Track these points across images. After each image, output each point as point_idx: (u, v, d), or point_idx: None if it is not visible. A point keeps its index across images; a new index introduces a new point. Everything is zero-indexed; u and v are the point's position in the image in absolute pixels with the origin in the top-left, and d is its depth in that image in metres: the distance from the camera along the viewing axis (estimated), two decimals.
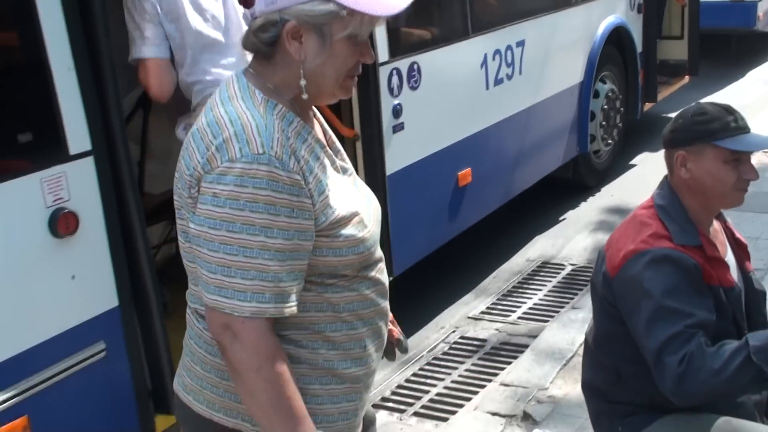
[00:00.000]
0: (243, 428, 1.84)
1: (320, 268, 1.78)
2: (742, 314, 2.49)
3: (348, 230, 1.79)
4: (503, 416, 3.62)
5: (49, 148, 2.78)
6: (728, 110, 2.43)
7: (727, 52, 11.11)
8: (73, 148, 2.80)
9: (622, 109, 7.01)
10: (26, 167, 2.70)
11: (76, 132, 2.81)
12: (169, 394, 2.92)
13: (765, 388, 2.35)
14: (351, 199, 1.83)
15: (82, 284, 2.89)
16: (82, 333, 2.92)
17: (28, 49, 2.78)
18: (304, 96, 1.77)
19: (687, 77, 8.61)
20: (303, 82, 1.76)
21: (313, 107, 1.89)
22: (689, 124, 2.45)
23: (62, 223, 2.76)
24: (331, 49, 1.74)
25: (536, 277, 5.30)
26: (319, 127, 1.89)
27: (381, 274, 1.91)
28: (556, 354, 4.06)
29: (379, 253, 1.91)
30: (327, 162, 1.81)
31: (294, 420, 1.71)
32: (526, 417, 3.60)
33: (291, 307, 1.72)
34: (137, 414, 3.15)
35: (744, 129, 2.40)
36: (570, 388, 3.72)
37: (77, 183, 2.82)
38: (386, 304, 1.94)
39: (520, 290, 5.13)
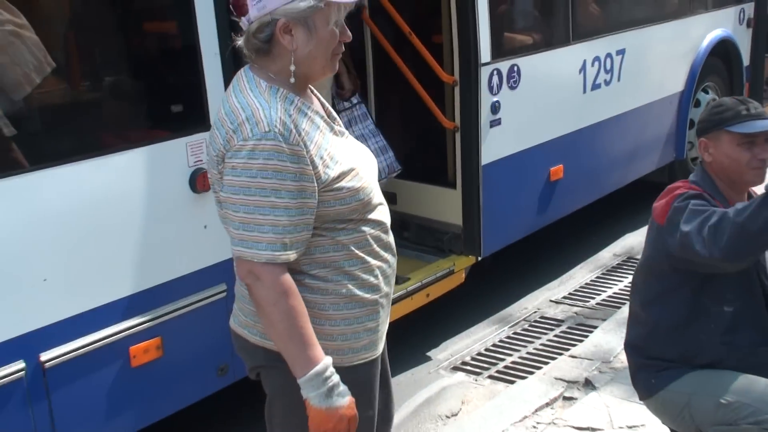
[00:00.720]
0: None
1: (331, 216, 2.19)
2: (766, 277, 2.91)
3: (348, 183, 2.19)
4: (566, 381, 4.06)
5: (195, 118, 3.40)
6: (742, 101, 2.86)
7: None
8: (214, 119, 3.40)
9: None
10: (176, 133, 3.32)
11: (217, 106, 3.40)
12: None
13: None
14: (347, 156, 2.24)
15: (212, 234, 3.48)
16: (209, 274, 3.53)
17: (184, 38, 3.40)
18: (291, 80, 2.17)
19: None
20: (293, 68, 2.16)
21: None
22: (709, 115, 2.90)
23: (200, 181, 3.37)
24: (317, 36, 2.15)
25: (619, 270, 5.69)
26: (317, 100, 2.32)
27: (382, 216, 2.33)
28: (623, 333, 4.45)
29: (378, 198, 2.32)
30: (326, 129, 2.23)
31: (304, 345, 2.13)
32: (587, 383, 4.03)
33: (298, 254, 2.14)
34: None
35: (754, 116, 2.81)
36: None
37: None
38: (390, 239, 2.36)
39: (603, 280, 5.54)
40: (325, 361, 2.16)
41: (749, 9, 7.49)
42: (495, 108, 4.80)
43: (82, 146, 3.12)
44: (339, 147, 2.26)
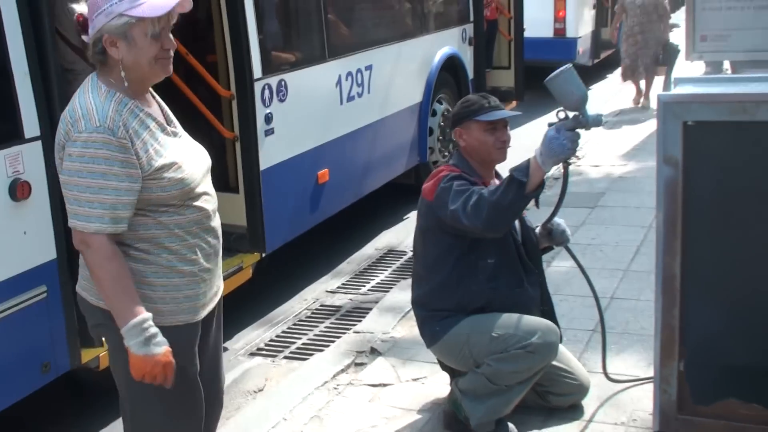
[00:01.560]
0: None
1: (153, 200, 2.63)
2: (518, 237, 3.67)
3: (169, 174, 2.63)
4: (355, 351, 4.63)
5: (9, 132, 3.64)
6: (484, 97, 3.63)
7: None
8: (28, 133, 3.68)
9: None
10: None
11: (30, 121, 3.68)
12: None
13: (527, 200, 3.34)
14: (173, 152, 2.67)
15: (31, 239, 3.74)
16: (30, 277, 3.76)
17: None
18: (125, 84, 2.60)
19: (514, 102, 9.96)
20: (123, 74, 2.60)
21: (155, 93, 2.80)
22: (460, 109, 3.64)
23: (19, 190, 3.62)
24: (137, 46, 2.59)
25: (383, 261, 6.37)
26: (157, 105, 2.76)
27: (205, 203, 2.75)
28: (396, 309, 5.12)
29: (202, 188, 2.74)
30: (156, 129, 2.65)
31: (126, 301, 2.57)
32: (373, 351, 4.62)
33: (123, 227, 2.57)
34: (68, 346, 3.99)
35: (495, 107, 3.59)
36: (407, 331, 4.76)
37: (30, 159, 3.68)
38: (213, 223, 2.80)
39: (370, 271, 6.19)
40: (144, 315, 2.58)
41: (470, 29, 8.53)
42: (268, 119, 5.32)
43: None
44: (167, 144, 2.69)
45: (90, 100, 2.58)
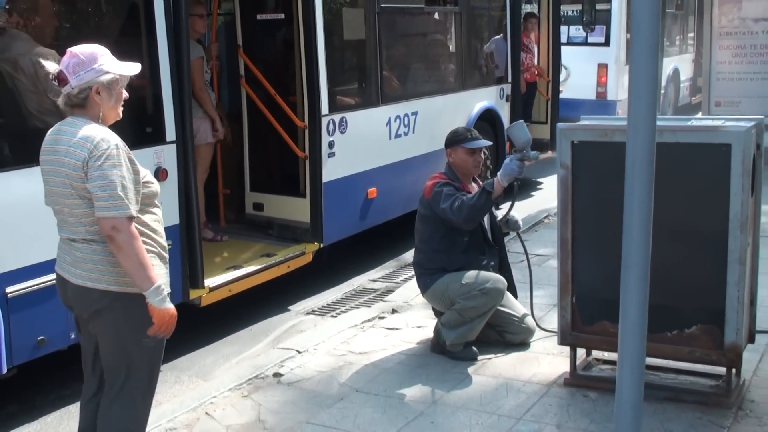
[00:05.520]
0: None
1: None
2: (485, 224, 5.42)
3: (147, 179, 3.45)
4: (382, 311, 6.41)
5: (158, 138, 5.58)
6: (468, 130, 5.43)
7: None
8: (168, 138, 5.59)
9: (490, 167, 9.97)
10: None
11: (170, 130, 5.59)
12: None
13: (491, 204, 5.14)
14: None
15: (166, 208, 5.60)
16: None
17: None
18: (100, 121, 3.37)
19: (550, 152, 11.65)
20: (101, 114, 3.38)
21: None
22: (452, 137, 5.45)
23: (162, 174, 5.49)
24: (115, 94, 3.42)
25: None
26: None
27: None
28: (417, 292, 6.88)
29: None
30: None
31: (150, 269, 3.30)
32: (393, 311, 6.39)
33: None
34: (181, 284, 5.86)
35: (475, 138, 5.37)
36: (422, 301, 6.51)
37: (169, 155, 5.59)
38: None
39: (404, 271, 7.95)
40: (161, 280, 3.37)
41: (507, 88, 10.32)
42: (331, 145, 7.19)
43: None
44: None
45: (97, 128, 3.35)
